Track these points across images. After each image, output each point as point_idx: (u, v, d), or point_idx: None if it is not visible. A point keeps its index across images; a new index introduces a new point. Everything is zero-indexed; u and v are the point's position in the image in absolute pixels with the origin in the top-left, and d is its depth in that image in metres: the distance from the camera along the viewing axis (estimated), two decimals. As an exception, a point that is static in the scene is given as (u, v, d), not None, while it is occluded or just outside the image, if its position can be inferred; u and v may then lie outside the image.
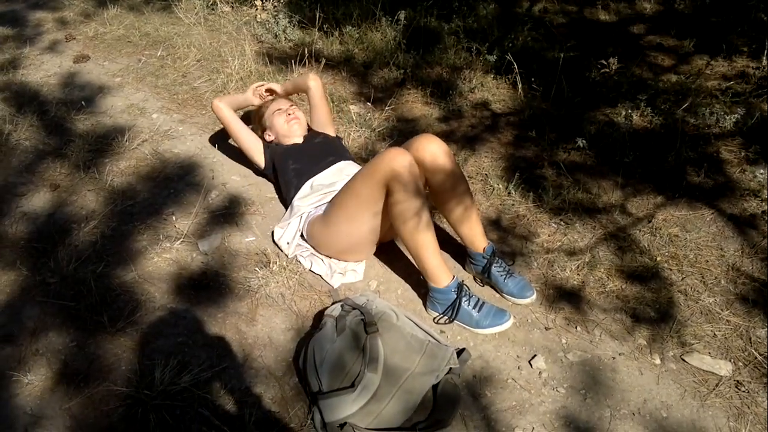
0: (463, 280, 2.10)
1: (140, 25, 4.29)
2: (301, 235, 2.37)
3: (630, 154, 2.78)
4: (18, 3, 4.81)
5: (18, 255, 2.33)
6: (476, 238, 2.20)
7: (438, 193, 2.19)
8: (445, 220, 2.32)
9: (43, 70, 3.76)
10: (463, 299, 2.05)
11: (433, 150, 2.13)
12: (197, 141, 3.05)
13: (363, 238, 2.21)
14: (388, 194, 2.02)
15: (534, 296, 2.15)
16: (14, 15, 4.55)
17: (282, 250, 2.37)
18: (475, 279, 2.26)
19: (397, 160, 1.98)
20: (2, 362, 1.92)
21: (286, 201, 2.53)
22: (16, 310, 2.10)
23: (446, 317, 2.07)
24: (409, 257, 2.33)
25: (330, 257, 2.32)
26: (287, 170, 2.51)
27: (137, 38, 4.13)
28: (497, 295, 2.19)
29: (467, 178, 2.71)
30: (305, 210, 2.37)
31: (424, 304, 2.15)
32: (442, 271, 2.05)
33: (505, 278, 2.16)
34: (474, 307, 2.05)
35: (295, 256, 2.34)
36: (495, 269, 2.17)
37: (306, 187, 2.42)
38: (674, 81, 3.42)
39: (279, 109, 2.67)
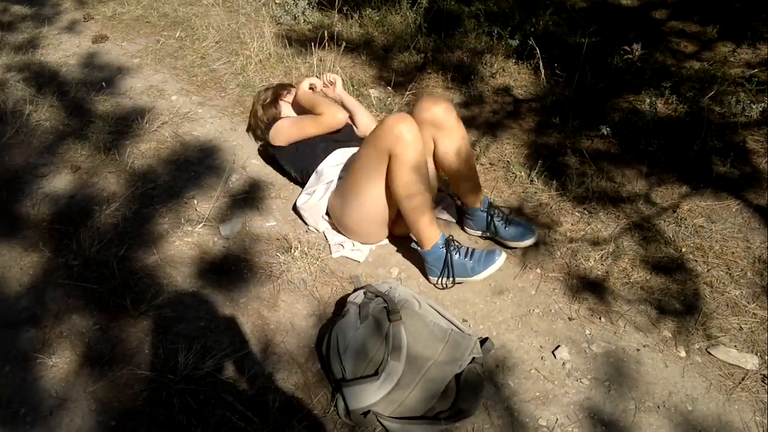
0: (450, 235, 2.14)
1: (158, 6, 4.27)
2: (326, 213, 2.37)
3: (654, 143, 2.75)
4: (36, -18, 4.80)
5: (40, 236, 2.34)
6: (476, 194, 2.30)
7: (441, 153, 2.26)
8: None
9: (61, 50, 3.75)
10: (453, 252, 2.10)
11: (438, 111, 2.19)
12: (217, 124, 3.04)
13: (373, 210, 2.20)
14: (390, 159, 2.06)
15: (534, 238, 2.25)
16: (32, -6, 4.54)
17: (303, 220, 2.42)
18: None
19: (398, 125, 2.02)
20: (27, 344, 1.93)
21: (307, 172, 2.47)
22: (39, 292, 2.11)
23: (445, 278, 2.12)
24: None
25: (345, 236, 2.35)
26: (315, 141, 2.49)
27: (155, 19, 4.11)
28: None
29: (489, 165, 2.70)
30: (332, 177, 2.36)
31: (426, 277, 2.19)
32: (432, 231, 2.10)
33: (505, 226, 2.27)
34: (465, 257, 2.10)
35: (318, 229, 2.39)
36: (496, 220, 2.26)
37: (336, 155, 2.42)
38: (698, 68, 3.36)
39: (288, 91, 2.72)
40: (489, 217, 2.28)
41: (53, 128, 2.98)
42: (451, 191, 2.45)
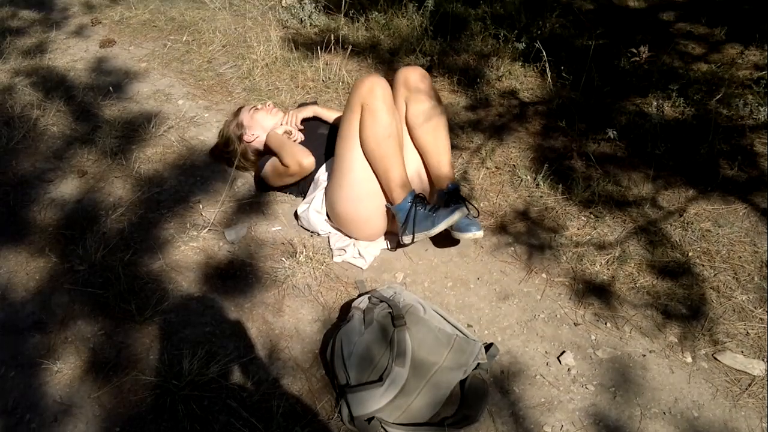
0: (420, 193, 2.18)
1: (165, 10, 4.28)
2: (327, 215, 2.37)
3: (661, 146, 2.73)
4: (44, -14, 4.83)
5: (47, 242, 2.35)
6: (442, 171, 2.27)
7: (411, 116, 2.27)
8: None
9: (69, 54, 3.77)
10: (419, 206, 2.13)
11: (411, 76, 2.25)
12: (223, 128, 3.04)
13: (359, 180, 2.20)
14: (362, 112, 2.14)
15: (479, 233, 2.13)
16: (41, -1, 4.57)
17: (303, 226, 2.42)
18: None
19: (369, 79, 2.13)
20: (32, 350, 1.93)
21: (305, 186, 2.49)
22: (45, 297, 2.12)
23: (408, 232, 2.13)
24: (436, 249, 2.32)
25: (346, 235, 2.36)
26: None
27: (162, 23, 4.12)
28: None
29: (495, 168, 2.69)
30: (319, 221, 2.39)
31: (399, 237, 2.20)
32: (402, 186, 2.15)
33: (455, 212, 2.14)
34: (429, 211, 2.12)
35: (321, 233, 2.39)
36: (453, 206, 2.13)
37: (330, 162, 2.41)
38: (705, 70, 3.34)
39: (254, 108, 2.69)
40: (447, 202, 2.17)
41: (60, 133, 2.99)
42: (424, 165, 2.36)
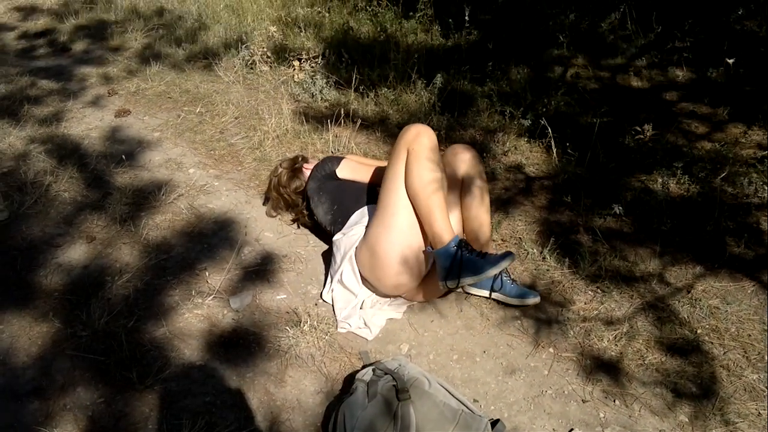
0: (465, 238, 2.20)
1: (181, 82, 4.41)
2: (361, 276, 2.35)
3: (667, 222, 2.74)
4: (65, 58, 4.99)
5: (51, 306, 2.35)
6: (483, 243, 2.35)
7: (465, 197, 2.36)
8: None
9: (84, 123, 3.86)
10: (464, 252, 2.12)
11: (465, 156, 2.39)
12: (232, 197, 3.08)
13: (401, 225, 2.21)
14: (408, 156, 2.18)
15: (537, 299, 2.31)
16: (61, 69, 4.71)
17: (334, 254, 2.43)
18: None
19: (417, 126, 2.20)
20: (30, 417, 1.90)
21: (347, 211, 2.48)
22: (47, 363, 2.10)
23: (453, 277, 2.12)
24: (441, 321, 2.30)
25: (376, 291, 2.36)
26: (364, 186, 2.57)
27: (177, 94, 4.23)
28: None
29: (501, 241, 2.69)
30: (350, 249, 2.36)
31: (438, 282, 2.20)
32: (446, 231, 2.15)
33: (512, 282, 2.36)
34: (477, 256, 2.11)
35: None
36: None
37: (356, 215, 2.44)
38: (709, 148, 3.39)
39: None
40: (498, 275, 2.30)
41: (71, 199, 3.03)
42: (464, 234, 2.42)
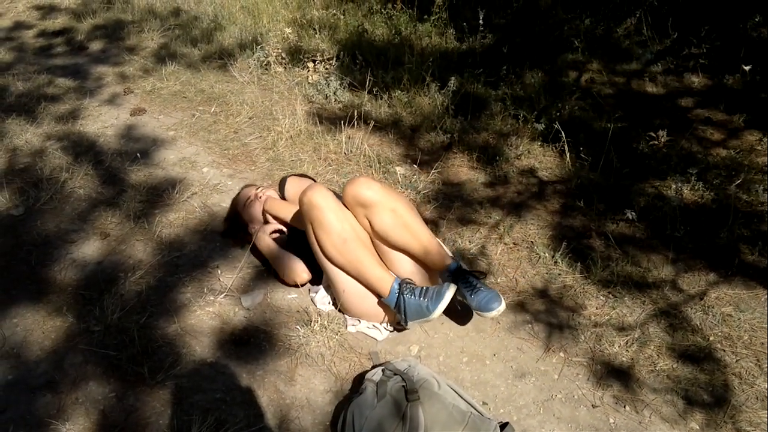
0: (404, 279, 2.14)
1: (196, 82, 4.43)
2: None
3: (681, 229, 2.73)
4: (82, 56, 5.03)
5: (65, 301, 2.37)
6: (434, 259, 2.23)
7: (380, 230, 2.20)
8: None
9: (100, 121, 3.89)
10: (407, 295, 2.09)
11: (358, 190, 2.17)
12: (245, 196, 3.09)
13: (360, 291, 2.22)
14: (312, 230, 2.16)
15: (501, 308, 2.07)
16: (78, 68, 4.75)
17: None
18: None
19: (306, 194, 2.14)
20: (42, 409, 1.92)
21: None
22: (60, 357, 2.12)
23: (406, 321, 2.11)
24: (452, 323, 2.30)
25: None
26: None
27: (192, 94, 4.26)
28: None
29: (513, 245, 2.69)
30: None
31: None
32: (382, 279, 2.14)
33: (471, 293, 2.12)
34: (420, 297, 2.08)
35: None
36: (461, 285, 2.14)
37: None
38: (724, 155, 3.37)
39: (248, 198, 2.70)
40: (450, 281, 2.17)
41: (86, 196, 3.06)
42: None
